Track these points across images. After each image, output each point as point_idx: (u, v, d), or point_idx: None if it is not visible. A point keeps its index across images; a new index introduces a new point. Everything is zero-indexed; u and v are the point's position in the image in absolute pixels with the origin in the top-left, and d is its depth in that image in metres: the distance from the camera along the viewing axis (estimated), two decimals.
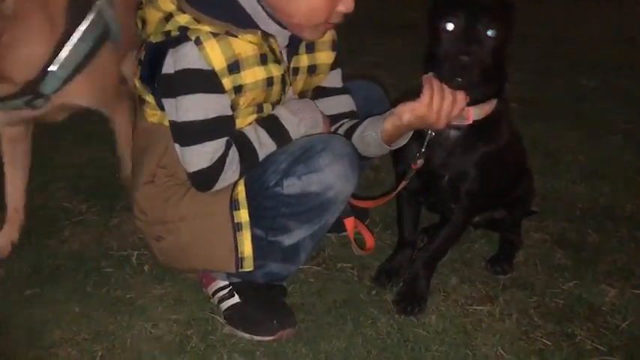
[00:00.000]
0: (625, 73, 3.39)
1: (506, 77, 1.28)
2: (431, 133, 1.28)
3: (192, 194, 1.23)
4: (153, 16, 1.14)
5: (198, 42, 1.09)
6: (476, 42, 1.14)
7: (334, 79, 1.40)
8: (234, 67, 1.13)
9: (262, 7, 1.16)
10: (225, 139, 1.17)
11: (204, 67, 1.11)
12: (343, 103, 1.41)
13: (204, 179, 1.19)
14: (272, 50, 1.19)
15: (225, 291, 1.33)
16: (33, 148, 2.08)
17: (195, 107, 1.14)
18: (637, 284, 1.51)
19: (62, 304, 1.38)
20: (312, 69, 1.32)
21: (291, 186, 1.18)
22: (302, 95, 1.35)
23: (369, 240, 1.48)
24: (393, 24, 4.26)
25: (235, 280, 1.32)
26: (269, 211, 1.22)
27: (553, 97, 2.92)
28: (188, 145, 1.16)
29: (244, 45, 1.13)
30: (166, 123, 1.20)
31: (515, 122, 1.47)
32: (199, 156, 1.16)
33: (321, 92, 1.39)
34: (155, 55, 1.14)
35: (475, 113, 1.25)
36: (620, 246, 1.67)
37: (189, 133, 1.16)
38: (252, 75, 1.16)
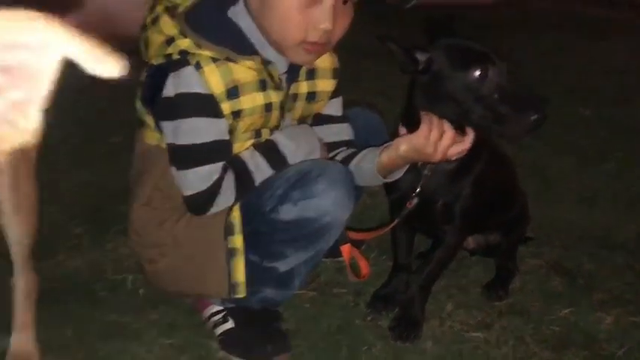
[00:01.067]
0: (618, 103, 3.43)
1: None
2: (427, 174, 1.29)
3: (187, 218, 1.24)
4: (155, 38, 1.15)
5: (198, 66, 1.11)
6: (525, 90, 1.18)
7: (334, 107, 1.40)
8: (232, 93, 1.14)
9: (261, 33, 1.18)
10: (222, 163, 1.18)
11: (204, 91, 1.12)
12: (342, 132, 1.41)
13: (200, 203, 1.19)
14: (271, 76, 1.20)
15: (220, 316, 1.32)
16: None
17: (193, 131, 1.15)
18: (633, 312, 1.51)
19: (55, 328, 1.36)
20: (311, 96, 1.32)
21: (288, 212, 1.18)
22: (301, 122, 1.36)
23: (364, 267, 1.47)
24: (384, 51, 4.31)
25: (230, 305, 1.31)
26: (264, 236, 1.22)
27: (549, 125, 2.92)
28: (185, 168, 1.17)
29: (244, 70, 1.15)
30: (164, 145, 1.21)
31: (511, 149, 1.48)
32: (195, 180, 1.17)
33: (320, 119, 1.39)
34: (156, 77, 1.16)
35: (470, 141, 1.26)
36: (615, 274, 1.67)
37: (186, 156, 1.17)
38: (251, 100, 1.17)
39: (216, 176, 1.17)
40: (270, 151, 1.24)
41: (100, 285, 1.52)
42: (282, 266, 1.25)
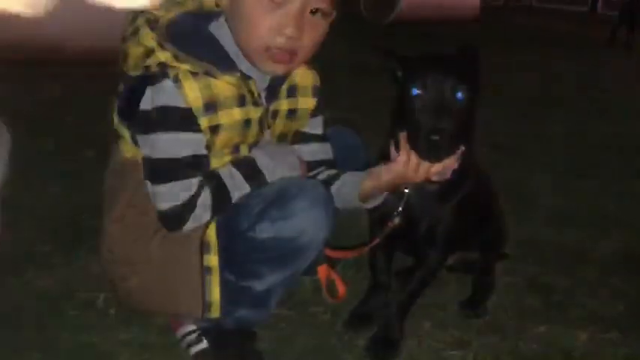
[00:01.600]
0: (594, 119, 3.51)
1: (474, 125, 1.27)
2: (409, 192, 1.29)
3: (161, 235, 1.21)
4: (134, 50, 1.14)
5: (176, 80, 1.09)
6: (445, 112, 1.14)
7: (315, 126, 1.39)
8: (210, 107, 1.12)
9: (237, 46, 1.17)
10: (198, 178, 1.16)
11: (181, 105, 1.10)
12: (322, 151, 1.40)
13: (174, 218, 1.17)
14: (250, 92, 1.19)
15: (194, 336, 1.29)
16: None
17: (170, 145, 1.13)
18: (607, 329, 1.51)
19: (24, 350, 1.32)
20: (291, 113, 1.31)
21: (264, 230, 1.15)
22: (281, 139, 1.34)
23: (341, 288, 1.45)
24: (368, 67, 4.34)
25: (204, 324, 1.29)
26: (240, 255, 1.20)
27: (525, 142, 2.99)
28: (159, 183, 1.15)
29: (223, 85, 1.13)
30: (140, 159, 1.19)
31: (489, 167, 1.49)
32: (170, 195, 1.14)
33: (300, 138, 1.38)
34: (133, 89, 1.14)
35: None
36: (590, 290, 1.68)
37: (162, 170, 1.14)
38: (229, 116, 1.15)
39: (191, 191, 1.15)
40: (248, 167, 1.22)
41: (70, 304, 1.48)
42: (258, 285, 1.22)
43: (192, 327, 1.30)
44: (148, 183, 1.16)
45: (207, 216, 1.19)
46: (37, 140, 2.50)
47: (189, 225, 1.18)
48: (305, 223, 1.15)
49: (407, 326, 1.44)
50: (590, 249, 1.92)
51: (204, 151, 1.17)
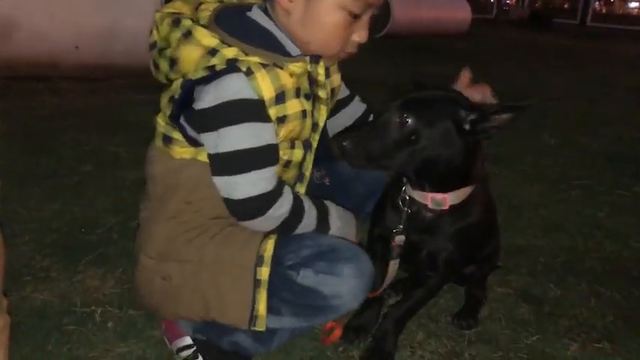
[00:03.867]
0: (584, 131, 3.55)
1: (470, 167, 1.27)
2: (407, 210, 1.32)
3: (219, 240, 1.21)
4: (191, 53, 1.11)
5: (249, 72, 1.09)
6: (381, 129, 1.21)
7: (343, 90, 1.48)
8: (280, 98, 1.14)
9: (290, 40, 1.20)
10: (274, 167, 1.17)
11: (253, 96, 1.10)
12: (356, 109, 1.52)
13: (252, 207, 1.16)
14: (312, 80, 1.22)
15: (190, 351, 1.31)
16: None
17: (245, 136, 1.12)
18: (598, 338, 1.54)
19: None
20: (332, 93, 1.37)
21: (306, 277, 1.16)
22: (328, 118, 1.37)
23: (337, 333, 1.45)
24: (365, 80, 4.39)
25: (200, 337, 1.31)
26: (271, 286, 1.18)
27: (516, 153, 3.02)
28: (237, 173, 1.13)
29: (286, 76, 1.15)
30: (200, 158, 1.19)
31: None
32: (249, 184, 1.14)
33: (335, 107, 1.46)
34: (195, 90, 1.13)
35: (451, 199, 1.29)
36: (581, 300, 1.71)
37: (239, 161, 1.13)
38: (293, 106, 1.17)
39: (271, 183, 1.16)
40: (321, 213, 1.27)
41: (69, 318, 1.49)
42: (271, 322, 1.21)
43: (189, 341, 1.31)
44: (219, 177, 1.15)
45: (275, 224, 1.20)
46: (36, 155, 2.52)
47: (260, 220, 1.17)
48: (344, 289, 1.16)
49: (400, 337, 1.46)
50: (581, 259, 1.95)
51: (276, 141, 1.17)
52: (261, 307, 1.17)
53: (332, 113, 1.45)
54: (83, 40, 3.83)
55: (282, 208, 1.19)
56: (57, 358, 1.36)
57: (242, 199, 1.15)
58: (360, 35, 1.20)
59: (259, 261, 1.18)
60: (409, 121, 1.19)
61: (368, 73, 4.75)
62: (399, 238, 1.34)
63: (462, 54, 6.63)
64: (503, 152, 2.98)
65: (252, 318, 1.18)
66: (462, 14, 9.33)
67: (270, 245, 1.19)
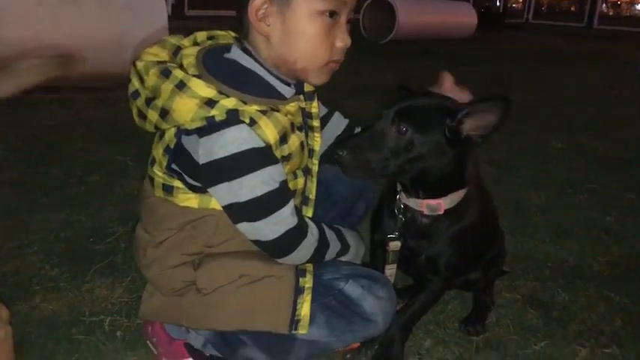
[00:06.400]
0: (590, 134, 3.54)
1: (463, 171, 1.28)
2: (401, 218, 1.33)
3: (249, 256, 1.22)
4: (185, 104, 1.07)
5: (252, 122, 1.08)
6: (375, 137, 1.22)
7: (322, 109, 1.47)
8: (283, 139, 1.14)
9: (275, 75, 1.19)
10: (292, 201, 1.18)
11: (259, 144, 1.09)
12: (339, 122, 1.51)
13: (285, 244, 1.18)
14: (305, 114, 1.26)
15: None
16: (8, 211, 2.09)
17: (262, 182, 1.11)
18: (607, 343, 1.53)
19: None
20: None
21: (353, 288, 1.20)
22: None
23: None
24: (369, 87, 4.40)
25: (213, 352, 1.29)
26: (316, 294, 1.21)
27: (523, 158, 3.02)
28: (263, 217, 1.14)
29: (283, 117, 1.15)
30: (212, 206, 1.17)
31: (487, 182, 1.52)
32: (275, 224, 1.15)
33: (323, 120, 1.47)
34: (189, 141, 1.11)
35: (446, 203, 1.29)
36: (589, 305, 1.70)
37: (260, 207, 1.13)
38: (293, 143, 1.18)
39: (295, 214, 1.18)
40: (338, 234, 1.33)
41: (77, 328, 1.50)
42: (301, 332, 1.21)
43: None
44: (244, 224, 1.15)
45: (309, 254, 1.22)
46: (44, 165, 2.55)
47: (295, 254, 1.20)
48: (379, 311, 1.21)
49: (408, 344, 1.46)
50: (589, 264, 1.94)
51: (285, 177, 1.18)
52: (305, 309, 1.19)
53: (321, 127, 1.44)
54: (91, 51, 3.86)
55: (311, 238, 1.22)
56: None
57: (273, 240, 1.16)
58: (342, 39, 1.18)
59: (301, 273, 1.21)
60: (406, 129, 1.19)
61: (372, 79, 4.76)
62: (394, 244, 1.35)
63: (467, 58, 6.62)
64: (509, 157, 2.97)
65: (293, 322, 1.18)
66: (467, 18, 9.33)
67: (310, 265, 1.24)
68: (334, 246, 1.30)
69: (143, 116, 1.16)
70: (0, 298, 1.11)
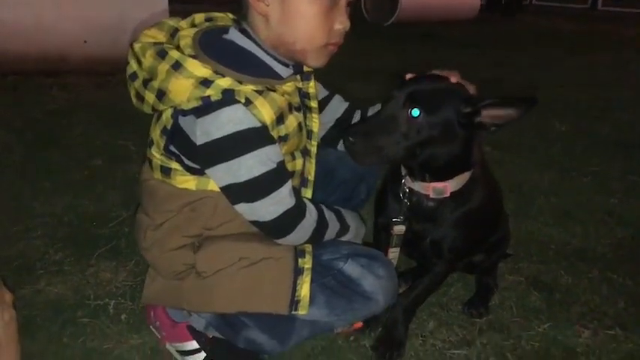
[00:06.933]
0: (595, 116, 3.51)
1: (470, 154, 1.27)
2: (406, 202, 1.33)
3: (248, 238, 1.22)
4: (181, 84, 1.07)
5: (248, 102, 1.08)
6: (387, 123, 1.19)
7: (322, 91, 1.47)
8: (279, 120, 1.14)
9: (272, 56, 1.19)
10: (290, 181, 1.18)
11: (256, 124, 1.09)
12: (339, 105, 1.50)
13: (283, 224, 1.19)
14: (303, 94, 1.26)
15: (200, 356, 1.30)
16: (12, 196, 2.09)
17: (259, 162, 1.11)
18: (610, 325, 1.54)
19: (38, 356, 1.36)
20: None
21: (352, 268, 1.22)
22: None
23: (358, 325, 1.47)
24: (371, 70, 4.37)
25: (215, 334, 1.30)
26: (316, 274, 1.22)
27: (526, 140, 3.00)
28: (261, 198, 1.14)
29: (280, 97, 1.15)
30: (210, 187, 1.17)
31: (490, 165, 1.51)
32: (274, 204, 1.15)
33: (323, 103, 1.47)
34: (186, 122, 1.11)
35: (452, 186, 1.29)
36: (593, 287, 1.70)
37: (257, 188, 1.13)
38: (291, 124, 1.18)
39: (293, 195, 1.18)
40: (337, 215, 1.34)
41: (82, 311, 1.51)
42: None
43: (195, 345, 1.30)
44: (242, 205, 1.15)
45: (307, 235, 1.23)
46: (46, 149, 2.55)
47: (294, 235, 1.21)
48: (380, 290, 1.23)
49: (412, 326, 1.47)
50: (591, 246, 1.94)
51: (283, 157, 1.18)
52: (304, 289, 1.20)
53: (321, 109, 1.44)
54: (91, 34, 3.84)
55: (310, 218, 1.23)
56: (72, 350, 1.38)
57: (271, 220, 1.16)
58: (341, 22, 1.18)
59: (300, 254, 1.22)
60: (418, 113, 1.18)
61: (376, 62, 4.73)
62: (399, 228, 1.35)
63: (470, 40, 6.57)
64: (513, 139, 2.96)
65: (293, 303, 1.20)
66: (470, 0, 9.24)
67: (308, 246, 1.25)
68: (333, 226, 1.30)
69: (141, 98, 1.16)
70: (4, 282, 1.11)
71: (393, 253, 1.39)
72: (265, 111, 1.09)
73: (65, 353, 1.37)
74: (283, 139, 1.16)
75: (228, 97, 1.07)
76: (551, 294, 1.66)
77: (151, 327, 1.40)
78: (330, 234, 1.30)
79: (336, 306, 1.23)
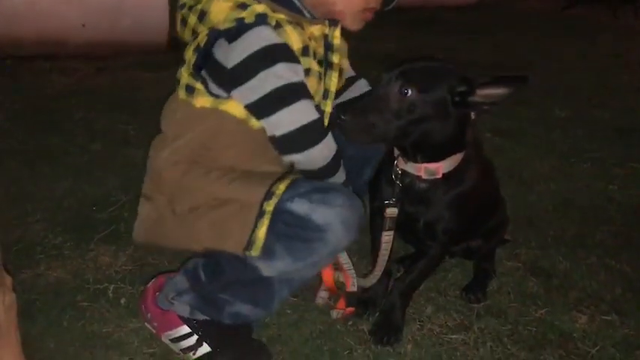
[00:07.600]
0: (595, 103, 3.50)
1: (462, 135, 1.28)
2: (399, 184, 1.32)
3: (232, 178, 1.25)
4: (220, 6, 1.22)
5: (278, 26, 1.20)
6: (377, 101, 1.21)
7: (349, 72, 1.58)
8: (305, 51, 1.25)
9: (307, 10, 1.30)
10: (313, 101, 1.27)
11: (282, 42, 1.20)
12: (363, 86, 1.60)
13: (312, 133, 1.26)
14: (327, 45, 1.32)
15: (192, 339, 1.31)
16: (11, 181, 2.09)
17: (284, 71, 1.20)
18: (606, 310, 1.55)
19: (37, 339, 1.37)
20: (339, 73, 1.43)
21: (299, 205, 1.18)
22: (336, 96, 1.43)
23: (348, 281, 1.45)
24: (371, 54, 4.34)
25: (201, 316, 1.31)
26: (270, 223, 1.21)
27: (527, 127, 2.99)
28: (287, 105, 1.22)
29: (306, 36, 1.26)
30: (222, 107, 1.26)
31: (490, 152, 1.51)
32: (301, 112, 1.24)
33: (347, 83, 1.56)
34: (219, 49, 1.21)
35: (444, 167, 1.29)
36: (590, 273, 1.71)
37: (287, 95, 1.22)
38: (313, 64, 1.28)
39: (317, 113, 1.26)
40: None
41: (82, 295, 1.52)
42: (266, 269, 1.22)
43: (186, 330, 1.31)
44: (271, 116, 1.23)
45: (327, 158, 1.31)
46: (46, 134, 2.54)
47: (321, 147, 1.28)
48: (336, 220, 1.17)
49: (409, 311, 1.47)
50: (591, 233, 1.94)
51: (306, 81, 1.26)
52: (261, 231, 1.19)
53: (338, 93, 1.47)
54: (90, 18, 3.81)
55: (331, 141, 1.30)
56: (72, 334, 1.39)
57: (299, 128, 1.23)
58: None
59: (268, 196, 1.20)
60: (409, 91, 1.18)
61: (374, 47, 4.69)
62: (391, 211, 1.34)
63: (471, 26, 6.53)
64: (513, 126, 2.95)
65: (250, 243, 1.19)
66: None
67: (283, 186, 1.21)
68: (340, 176, 1.36)
69: (184, 23, 1.31)
70: (4, 266, 1.12)
71: (387, 237, 1.38)
72: (294, 37, 1.21)
73: (65, 337, 1.38)
74: (306, 72, 1.25)
75: (261, 21, 1.18)
76: (549, 280, 1.67)
77: (146, 324, 1.40)
78: (338, 177, 1.35)
79: (296, 250, 1.19)
